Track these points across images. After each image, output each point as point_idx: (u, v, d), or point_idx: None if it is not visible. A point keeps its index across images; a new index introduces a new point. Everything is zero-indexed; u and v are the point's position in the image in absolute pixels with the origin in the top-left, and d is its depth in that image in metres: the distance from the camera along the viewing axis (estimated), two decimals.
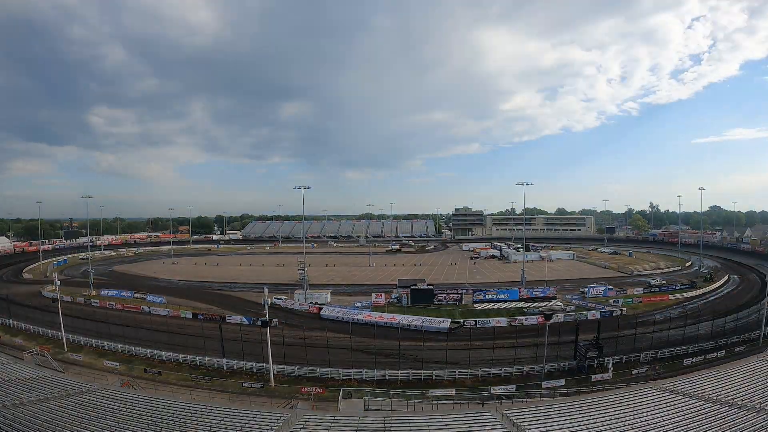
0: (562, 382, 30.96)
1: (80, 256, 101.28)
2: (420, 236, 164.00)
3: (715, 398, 19.24)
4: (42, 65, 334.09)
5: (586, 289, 59.22)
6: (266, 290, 38.67)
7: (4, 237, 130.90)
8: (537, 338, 34.81)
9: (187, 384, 31.77)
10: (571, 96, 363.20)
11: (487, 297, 56.76)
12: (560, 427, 17.19)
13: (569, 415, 18.22)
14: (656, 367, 33.22)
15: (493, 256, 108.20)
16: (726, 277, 69.45)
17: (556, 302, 55.27)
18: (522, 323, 45.10)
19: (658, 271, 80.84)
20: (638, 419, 17.37)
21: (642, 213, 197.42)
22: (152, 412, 18.90)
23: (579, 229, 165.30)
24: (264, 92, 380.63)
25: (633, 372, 32.80)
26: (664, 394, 20.39)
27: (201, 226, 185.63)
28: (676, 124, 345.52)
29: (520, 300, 56.51)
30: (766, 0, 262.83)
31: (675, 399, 19.68)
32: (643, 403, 19.29)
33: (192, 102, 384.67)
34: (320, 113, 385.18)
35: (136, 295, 60.25)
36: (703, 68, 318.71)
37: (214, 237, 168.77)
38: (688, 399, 19.52)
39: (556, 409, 19.20)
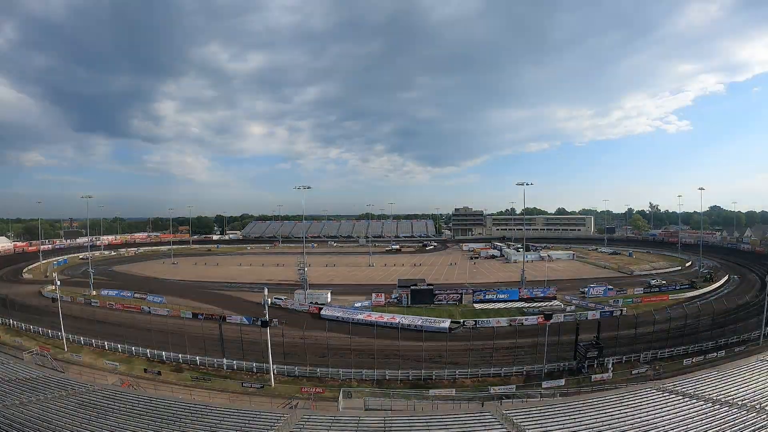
0: (562, 382, 30.99)
1: (80, 256, 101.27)
2: (420, 236, 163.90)
3: (715, 398, 19.24)
4: None
5: (586, 289, 59.24)
6: (266, 290, 38.55)
7: (4, 237, 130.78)
8: (537, 338, 34.85)
9: (187, 384, 31.78)
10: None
11: (487, 297, 56.77)
12: (560, 427, 17.20)
13: (569, 415, 18.22)
14: (656, 367, 33.23)
15: (493, 256, 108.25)
16: (726, 277, 69.46)
17: (556, 302, 55.28)
18: (522, 323, 45.10)
19: (658, 271, 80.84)
20: (638, 419, 17.37)
21: (642, 213, 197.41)
22: (152, 412, 18.90)
23: (579, 229, 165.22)
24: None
25: (633, 372, 32.83)
26: (664, 394, 20.39)
27: (201, 226, 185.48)
28: None
29: (520, 300, 56.52)
30: None
31: (675, 399, 19.68)
32: (643, 403, 19.29)
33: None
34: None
35: (136, 295, 60.26)
36: None
37: (214, 237, 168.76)
38: (688, 399, 19.52)
39: (556, 409, 19.21)
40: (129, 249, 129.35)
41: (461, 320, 46.79)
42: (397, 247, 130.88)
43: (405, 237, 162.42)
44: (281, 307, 54.23)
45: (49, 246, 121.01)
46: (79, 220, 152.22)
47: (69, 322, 42.24)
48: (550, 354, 33.92)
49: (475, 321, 46.52)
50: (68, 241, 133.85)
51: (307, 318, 50.27)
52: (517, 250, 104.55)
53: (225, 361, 35.27)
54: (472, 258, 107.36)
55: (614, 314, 48.42)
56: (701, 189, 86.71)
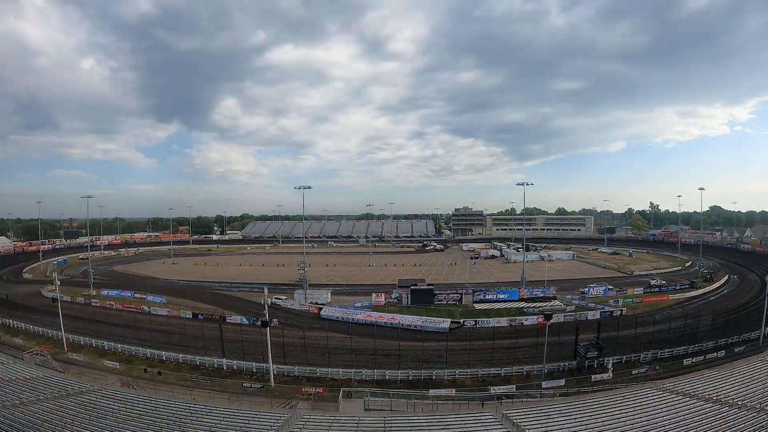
0: (562, 382, 30.97)
1: (80, 256, 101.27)
2: (420, 236, 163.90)
3: (715, 398, 19.24)
4: None
5: (586, 289, 59.23)
6: (266, 290, 38.65)
7: (4, 237, 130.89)
8: (537, 338, 34.80)
9: (187, 384, 31.75)
10: None
11: (487, 297, 56.76)
12: (560, 427, 17.20)
13: (569, 415, 18.23)
14: (656, 367, 33.20)
15: (493, 256, 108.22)
16: (726, 277, 69.47)
17: (556, 302, 55.28)
18: (522, 323, 45.09)
19: (658, 271, 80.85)
20: (638, 419, 17.37)
21: (642, 213, 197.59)
22: (152, 412, 18.91)
23: (579, 229, 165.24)
24: None
25: (633, 372, 32.79)
26: (664, 394, 20.39)
27: (201, 226, 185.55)
28: None
29: (520, 300, 56.50)
30: None
31: (675, 399, 19.68)
32: (643, 403, 19.30)
33: None
34: None
35: (136, 295, 60.25)
36: None
37: (214, 237, 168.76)
38: (688, 399, 19.53)
39: (556, 409, 19.21)
40: (129, 249, 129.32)
41: (461, 320, 46.79)
42: (398, 247, 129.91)
43: (405, 237, 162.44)
44: (281, 307, 54.23)
45: (49, 246, 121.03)
46: (79, 220, 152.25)
47: (69, 322, 42.28)
48: (550, 354, 33.85)
49: (475, 321, 46.52)
50: (68, 241, 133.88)
51: (307, 318, 50.31)
52: (517, 250, 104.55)
53: (225, 361, 35.25)
54: (472, 258, 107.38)
55: (614, 314, 48.44)
56: (701, 189, 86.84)
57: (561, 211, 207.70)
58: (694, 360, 34.59)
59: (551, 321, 36.71)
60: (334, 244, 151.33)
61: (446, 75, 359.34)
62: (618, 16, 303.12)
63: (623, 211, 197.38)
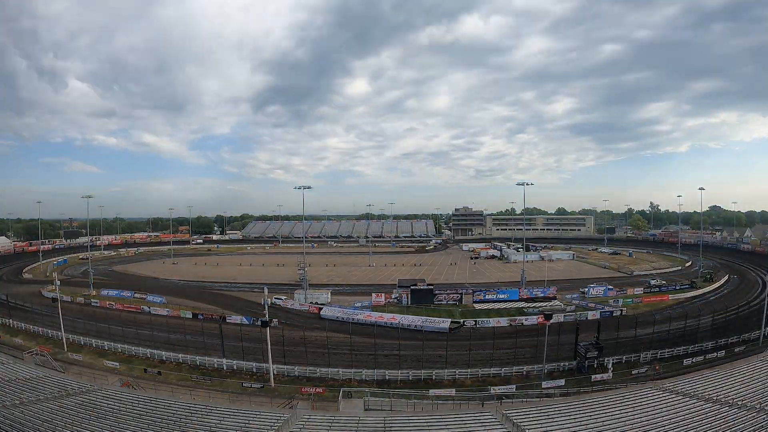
0: (562, 382, 30.98)
1: (80, 256, 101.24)
2: (420, 236, 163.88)
3: (715, 398, 19.24)
4: None
5: (586, 289, 59.23)
6: (266, 290, 38.68)
7: (4, 237, 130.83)
8: (537, 338, 34.80)
9: (187, 384, 31.76)
10: None
11: (487, 297, 56.75)
12: (560, 427, 17.20)
13: (569, 415, 18.23)
14: (656, 367, 33.20)
15: (493, 256, 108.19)
16: (726, 277, 69.46)
17: (556, 302, 55.28)
18: (522, 323, 45.09)
19: (658, 271, 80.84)
20: (638, 419, 17.37)
21: (642, 213, 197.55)
22: (152, 412, 18.91)
23: (579, 229, 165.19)
24: None
25: (633, 372, 32.80)
26: (664, 394, 20.39)
27: (201, 226, 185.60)
28: None
29: (520, 300, 56.50)
30: None
31: (675, 399, 19.68)
32: (643, 403, 19.30)
33: None
34: None
35: (136, 295, 60.25)
36: None
37: (214, 237, 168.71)
38: (688, 399, 19.53)
39: (556, 409, 19.22)
40: (129, 249, 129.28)
41: (461, 320, 46.79)
42: (397, 247, 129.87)
43: (405, 237, 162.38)
44: (281, 307, 54.23)
45: (49, 246, 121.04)
46: (79, 220, 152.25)
47: (69, 322, 42.26)
48: (550, 354, 33.87)
49: (475, 321, 46.52)
50: (68, 241, 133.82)
51: (307, 318, 50.32)
52: (517, 250, 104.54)
53: (225, 361, 35.26)
54: (472, 258, 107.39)
55: (614, 314, 48.46)
56: (701, 189, 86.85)
57: (561, 211, 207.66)
58: (694, 360, 34.60)
59: (551, 321, 36.68)
60: (334, 244, 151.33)
61: None
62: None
63: (623, 211, 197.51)
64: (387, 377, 32.25)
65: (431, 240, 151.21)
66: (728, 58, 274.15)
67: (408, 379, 32.23)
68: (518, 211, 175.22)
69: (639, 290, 60.29)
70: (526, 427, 17.13)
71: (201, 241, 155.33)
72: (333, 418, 19.67)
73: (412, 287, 57.10)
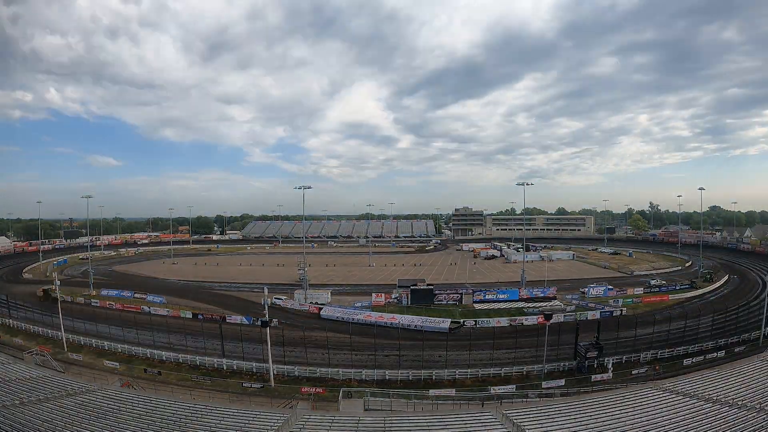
0: (562, 382, 30.98)
1: (80, 256, 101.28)
2: (420, 236, 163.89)
3: (715, 398, 19.24)
4: None
5: (586, 289, 59.25)
6: (266, 290, 38.66)
7: (4, 237, 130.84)
8: (537, 338, 34.81)
9: (187, 384, 31.76)
10: None
11: (487, 297, 56.75)
12: (560, 427, 17.20)
13: (569, 415, 18.23)
14: (656, 367, 33.21)
15: (493, 256, 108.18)
16: (726, 277, 69.45)
17: (556, 302, 55.27)
18: (522, 323, 45.08)
19: (658, 271, 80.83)
20: (638, 419, 17.37)
21: (642, 213, 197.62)
22: (152, 412, 18.91)
23: (579, 229, 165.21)
24: None
25: (633, 372, 32.80)
26: (664, 394, 20.39)
27: (201, 226, 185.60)
28: None
29: (520, 300, 56.51)
30: None
31: (675, 399, 19.68)
32: (643, 403, 19.30)
33: None
34: None
35: (136, 295, 60.25)
36: None
37: (214, 237, 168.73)
38: (688, 399, 19.53)
39: (556, 409, 19.21)
40: (129, 249, 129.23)
41: (461, 320, 46.78)
42: (397, 247, 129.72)
43: (405, 237, 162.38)
44: (281, 308, 54.22)
45: (49, 246, 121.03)
46: (79, 220, 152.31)
47: (69, 322, 42.27)
48: (550, 354, 33.92)
49: (475, 321, 46.51)
50: (68, 241, 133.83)
51: (307, 318, 50.31)
52: (517, 250, 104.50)
53: (225, 361, 35.26)
54: (472, 258, 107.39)
55: (614, 314, 48.45)
56: (701, 189, 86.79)
57: (561, 211, 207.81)
58: (694, 360, 34.60)
59: (551, 321, 36.72)
60: (334, 244, 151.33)
61: None
62: None
63: (623, 211, 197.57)
64: (387, 377, 32.25)
65: (431, 240, 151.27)
66: None
67: (408, 379, 32.23)
68: (518, 211, 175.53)
69: (639, 290, 60.28)
70: (526, 427, 17.13)
71: (196, 237, 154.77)
72: (333, 418, 19.66)
73: (412, 287, 57.07)
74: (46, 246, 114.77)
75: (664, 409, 18.34)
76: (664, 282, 65.04)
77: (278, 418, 18.79)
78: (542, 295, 58.07)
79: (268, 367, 32.49)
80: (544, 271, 72.90)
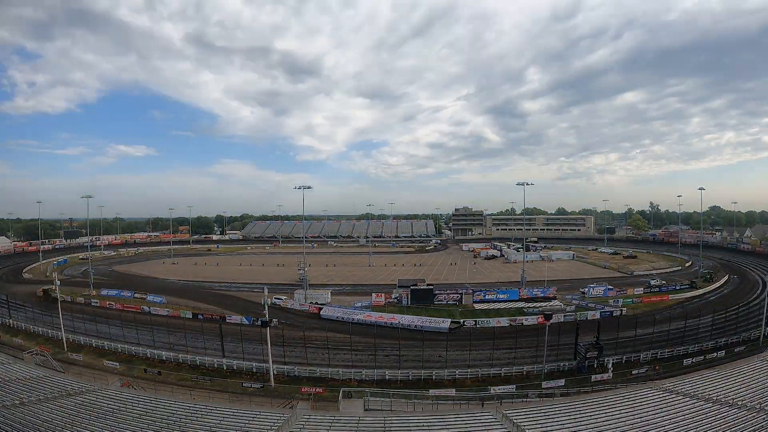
0: (562, 382, 30.98)
1: (80, 256, 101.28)
2: (420, 236, 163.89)
3: (715, 398, 19.24)
4: None
5: (586, 289, 59.25)
6: (266, 290, 38.67)
7: (4, 237, 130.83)
8: (537, 338, 34.82)
9: (187, 384, 31.77)
10: None
11: (487, 297, 56.74)
12: (560, 427, 17.19)
13: (569, 415, 18.22)
14: (656, 367, 33.22)
15: (493, 256, 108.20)
16: (726, 277, 69.46)
17: (556, 302, 55.27)
18: (522, 323, 45.08)
19: (658, 271, 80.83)
20: (638, 419, 17.36)
21: (642, 213, 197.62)
22: (152, 412, 18.90)
23: (579, 229, 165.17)
24: None
25: (633, 372, 32.81)
26: (664, 394, 20.38)
27: (201, 226, 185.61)
28: None
29: (520, 300, 56.50)
30: None
31: (675, 399, 19.68)
32: (643, 403, 19.29)
33: None
34: None
35: (136, 295, 60.24)
36: None
37: (214, 237, 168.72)
38: (688, 399, 19.52)
39: (556, 409, 19.21)
40: (129, 249, 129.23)
41: (461, 320, 46.77)
42: (397, 247, 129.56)
43: (405, 237, 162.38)
44: (281, 308, 54.21)
45: (49, 246, 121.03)
46: (79, 220, 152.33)
47: (69, 322, 42.28)
48: (550, 354, 33.91)
49: (475, 321, 46.50)
50: (68, 241, 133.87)
51: (307, 318, 50.31)
52: (517, 250, 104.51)
53: (225, 361, 35.26)
54: (473, 258, 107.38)
55: (614, 314, 48.45)
56: (701, 189, 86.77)
57: (561, 211, 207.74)
58: (694, 360, 34.61)
59: (551, 321, 36.70)
60: (334, 244, 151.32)
61: None
62: None
63: (623, 211, 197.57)
64: (387, 377, 32.25)
65: (431, 240, 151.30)
66: None
67: (408, 379, 32.23)
68: (518, 211, 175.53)
69: (639, 290, 60.29)
70: (526, 427, 17.13)
71: (196, 237, 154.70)
72: (333, 418, 19.66)
73: (412, 287, 57.06)
74: (46, 246, 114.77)
75: (664, 409, 18.34)
76: (664, 282, 65.03)
77: (278, 418, 18.79)
78: (542, 295, 58.07)
79: (268, 367, 32.49)
80: (544, 271, 72.90)
